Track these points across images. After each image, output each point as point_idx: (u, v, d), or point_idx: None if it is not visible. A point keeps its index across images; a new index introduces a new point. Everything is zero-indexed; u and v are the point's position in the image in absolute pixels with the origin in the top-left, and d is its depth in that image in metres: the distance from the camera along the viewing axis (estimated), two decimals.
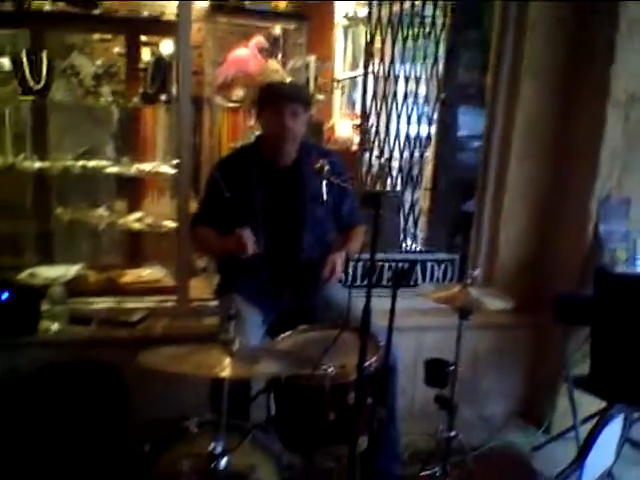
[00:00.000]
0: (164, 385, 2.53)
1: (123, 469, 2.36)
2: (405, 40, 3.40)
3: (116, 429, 2.51)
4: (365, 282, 2.99)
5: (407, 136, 3.48)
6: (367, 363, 1.82)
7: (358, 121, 4.16)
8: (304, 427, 1.98)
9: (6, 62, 3.59)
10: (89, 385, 2.52)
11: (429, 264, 3.28)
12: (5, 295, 2.60)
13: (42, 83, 3.21)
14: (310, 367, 1.83)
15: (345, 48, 4.99)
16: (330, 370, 1.88)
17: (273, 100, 2.37)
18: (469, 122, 3.71)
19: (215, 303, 2.68)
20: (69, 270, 3.27)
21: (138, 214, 3.57)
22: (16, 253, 3.49)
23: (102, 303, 3.01)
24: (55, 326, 2.74)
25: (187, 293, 3.04)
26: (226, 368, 1.58)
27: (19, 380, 2.54)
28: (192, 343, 1.82)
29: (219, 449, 1.63)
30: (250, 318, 2.30)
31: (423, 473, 2.42)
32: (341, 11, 4.72)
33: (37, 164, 3.31)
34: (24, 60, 3.21)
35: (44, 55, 3.26)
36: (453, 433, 2.30)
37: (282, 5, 3.81)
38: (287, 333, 2.19)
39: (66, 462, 2.32)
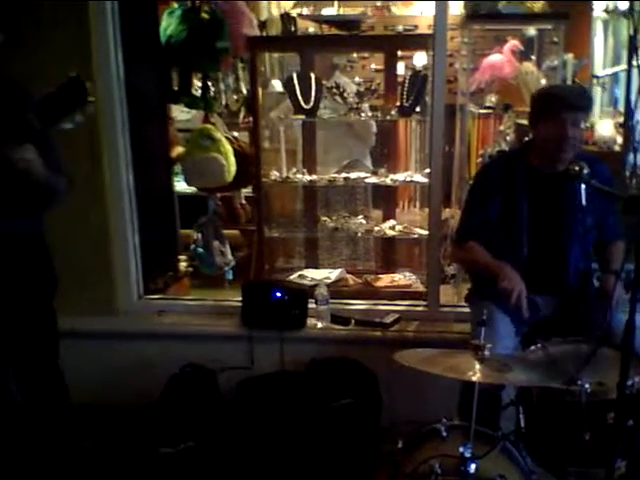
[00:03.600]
0: (413, 386, 2.62)
1: (375, 462, 2.53)
2: None
3: (370, 425, 2.66)
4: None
5: None
6: (629, 382, 1.71)
7: (621, 119, 3.84)
8: (556, 444, 1.91)
9: (278, 84, 4.05)
10: (347, 381, 2.68)
11: None
12: (279, 294, 2.94)
13: (311, 102, 3.47)
14: (565, 381, 1.77)
15: (605, 43, 4.64)
16: (587, 386, 1.79)
17: (554, 110, 2.25)
18: None
19: (466, 309, 2.71)
20: (332, 273, 3.57)
21: (392, 222, 3.74)
22: (288, 256, 3.91)
23: (359, 305, 3.18)
24: (320, 324, 2.98)
25: (437, 299, 3.10)
26: (476, 373, 1.62)
27: (291, 373, 2.84)
28: (443, 347, 1.90)
29: (468, 454, 1.68)
30: (502, 327, 2.27)
31: None
32: (599, 5, 4.40)
33: (307, 177, 3.63)
34: (295, 81, 3.50)
35: (312, 76, 3.53)
36: None
37: (538, 5, 3.67)
38: (540, 345, 2.14)
39: (324, 453, 2.51)
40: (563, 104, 2.24)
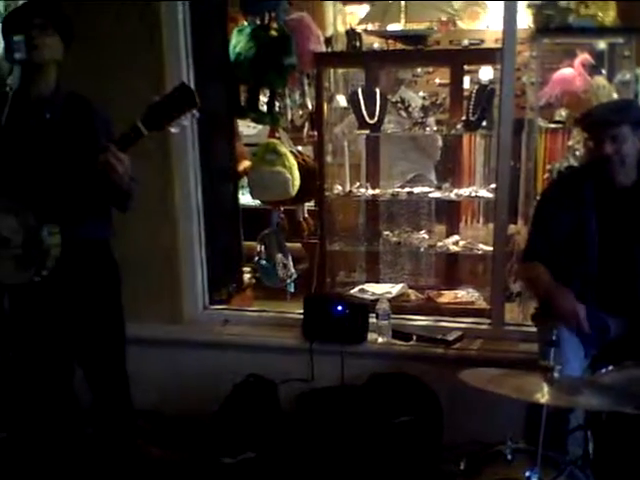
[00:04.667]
0: (475, 406, 2.57)
1: None
2: None
3: (430, 443, 2.62)
4: None
5: None
6: None
7: None
8: (627, 470, 1.84)
9: (342, 99, 4.09)
10: (408, 398, 2.65)
11: None
12: (340, 307, 2.94)
13: (376, 117, 3.49)
14: (637, 406, 1.70)
15: None
16: None
17: (590, 127, 2.29)
18: None
19: (532, 329, 2.64)
20: (393, 288, 3.55)
21: (455, 237, 3.69)
22: (349, 270, 3.92)
23: (421, 321, 3.14)
24: (380, 339, 2.96)
25: (502, 317, 3.03)
26: (545, 395, 1.58)
27: (350, 387, 2.81)
28: (508, 367, 1.85)
29: (535, 479, 1.63)
30: (571, 348, 2.20)
31: None
32: None
33: (370, 191, 3.65)
34: (360, 96, 3.53)
35: (377, 91, 3.56)
36: None
37: (609, 19, 3.58)
38: (611, 367, 2.06)
39: (384, 470, 2.47)
40: (597, 122, 2.25)
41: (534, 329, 2.58)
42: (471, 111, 3.42)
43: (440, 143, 3.88)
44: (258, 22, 3.31)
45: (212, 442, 2.67)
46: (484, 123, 3.45)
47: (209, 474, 2.62)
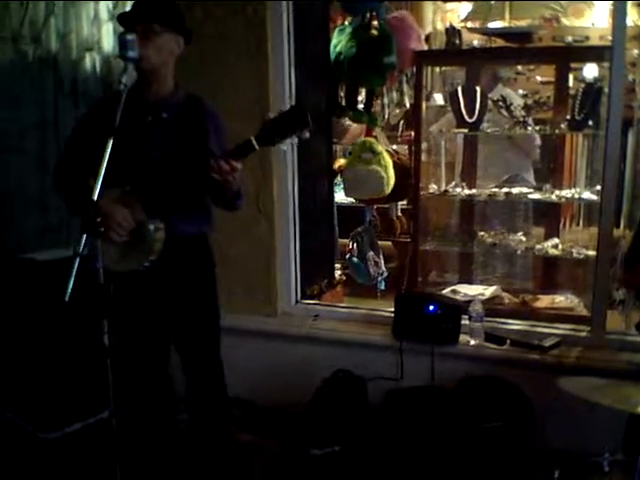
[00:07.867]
0: (570, 414, 2.49)
1: None
2: None
3: (522, 451, 2.55)
4: None
5: None
6: None
7: None
8: None
9: (439, 97, 4.04)
10: (500, 403, 2.59)
11: None
12: (432, 307, 2.91)
13: (475, 116, 3.44)
14: None
15: None
16: None
17: None
18: None
19: (636, 338, 2.52)
20: (486, 290, 3.48)
21: (555, 240, 3.57)
22: (441, 270, 3.87)
23: (515, 325, 3.06)
24: (473, 341, 2.91)
25: (603, 324, 2.90)
26: None
27: (440, 388, 2.79)
28: (608, 377, 1.79)
29: None
30: None
31: None
32: None
33: (465, 191, 3.60)
34: (460, 95, 3.49)
35: (478, 89, 3.50)
36: None
37: None
38: None
39: (472, 475, 2.44)
40: None
41: (638, 338, 2.47)
42: (577, 110, 3.28)
43: (539, 142, 3.77)
44: (359, 21, 3.33)
45: (301, 433, 2.73)
46: (590, 122, 3.31)
47: (296, 463, 2.67)
